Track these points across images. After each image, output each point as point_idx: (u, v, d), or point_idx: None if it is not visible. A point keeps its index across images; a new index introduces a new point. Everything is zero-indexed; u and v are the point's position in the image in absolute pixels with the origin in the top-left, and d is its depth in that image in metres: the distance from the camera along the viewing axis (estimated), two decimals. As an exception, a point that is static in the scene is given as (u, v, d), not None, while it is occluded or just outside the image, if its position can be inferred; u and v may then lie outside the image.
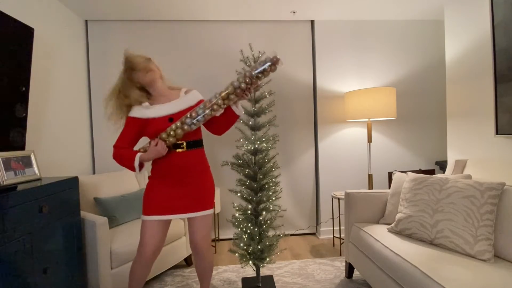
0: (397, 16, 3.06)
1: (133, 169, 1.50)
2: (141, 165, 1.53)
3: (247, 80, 1.46)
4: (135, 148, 1.61)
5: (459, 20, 2.38)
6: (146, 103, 1.54)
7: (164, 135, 1.48)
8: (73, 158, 2.60)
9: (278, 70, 3.07)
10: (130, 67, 1.52)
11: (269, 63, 1.44)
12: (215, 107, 1.47)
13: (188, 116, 1.47)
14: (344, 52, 3.11)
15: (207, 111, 1.47)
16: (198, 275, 1.72)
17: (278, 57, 1.44)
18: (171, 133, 1.47)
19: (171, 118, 1.52)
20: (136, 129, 1.54)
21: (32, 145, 2.00)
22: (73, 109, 2.64)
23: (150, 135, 1.54)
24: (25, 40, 1.73)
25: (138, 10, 2.73)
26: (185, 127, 1.46)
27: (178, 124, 1.47)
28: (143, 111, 1.53)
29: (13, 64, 1.65)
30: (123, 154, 1.51)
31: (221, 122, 1.63)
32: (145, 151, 1.51)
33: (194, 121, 1.46)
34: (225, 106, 1.51)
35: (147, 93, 1.61)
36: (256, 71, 1.45)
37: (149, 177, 1.60)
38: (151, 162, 1.60)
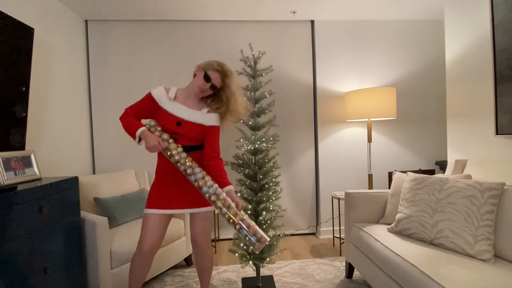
0: (397, 16, 3.06)
1: (133, 137, 1.52)
2: (139, 139, 1.54)
3: (230, 221, 1.41)
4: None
5: (459, 20, 2.38)
6: (171, 94, 1.57)
7: (165, 144, 1.48)
8: (73, 158, 2.60)
9: (279, 70, 3.07)
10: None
11: (254, 239, 1.38)
12: (204, 193, 1.45)
13: (187, 163, 1.46)
14: (344, 52, 3.11)
15: (195, 184, 1.45)
16: (198, 273, 1.74)
17: (267, 240, 1.39)
18: (168, 153, 1.48)
19: (179, 122, 1.54)
20: (148, 107, 1.57)
21: (32, 145, 2.00)
22: (73, 109, 2.64)
23: (158, 122, 1.58)
24: (25, 40, 1.73)
25: (138, 10, 2.73)
26: (178, 165, 1.47)
27: (176, 157, 1.46)
28: (164, 98, 1.55)
29: (13, 64, 1.65)
30: (131, 122, 1.53)
31: (205, 166, 1.58)
32: (149, 129, 1.52)
33: (184, 172, 1.46)
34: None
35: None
36: (241, 230, 1.39)
37: (155, 175, 1.64)
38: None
